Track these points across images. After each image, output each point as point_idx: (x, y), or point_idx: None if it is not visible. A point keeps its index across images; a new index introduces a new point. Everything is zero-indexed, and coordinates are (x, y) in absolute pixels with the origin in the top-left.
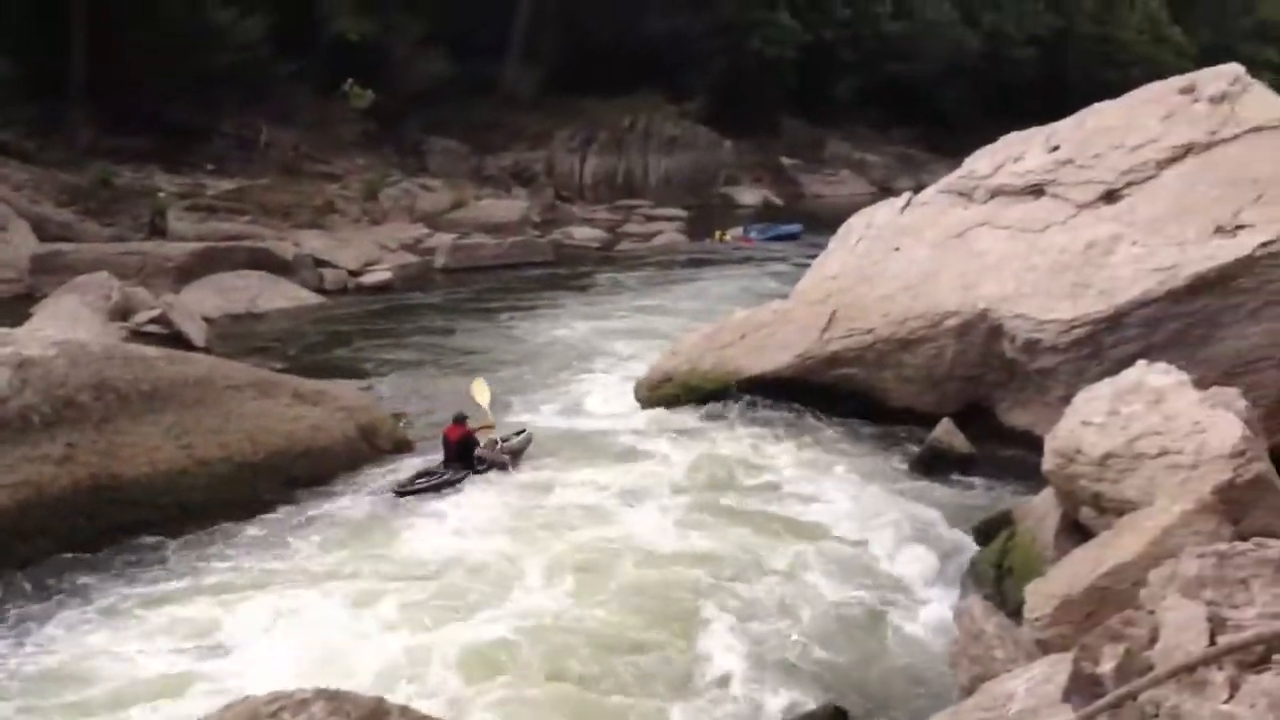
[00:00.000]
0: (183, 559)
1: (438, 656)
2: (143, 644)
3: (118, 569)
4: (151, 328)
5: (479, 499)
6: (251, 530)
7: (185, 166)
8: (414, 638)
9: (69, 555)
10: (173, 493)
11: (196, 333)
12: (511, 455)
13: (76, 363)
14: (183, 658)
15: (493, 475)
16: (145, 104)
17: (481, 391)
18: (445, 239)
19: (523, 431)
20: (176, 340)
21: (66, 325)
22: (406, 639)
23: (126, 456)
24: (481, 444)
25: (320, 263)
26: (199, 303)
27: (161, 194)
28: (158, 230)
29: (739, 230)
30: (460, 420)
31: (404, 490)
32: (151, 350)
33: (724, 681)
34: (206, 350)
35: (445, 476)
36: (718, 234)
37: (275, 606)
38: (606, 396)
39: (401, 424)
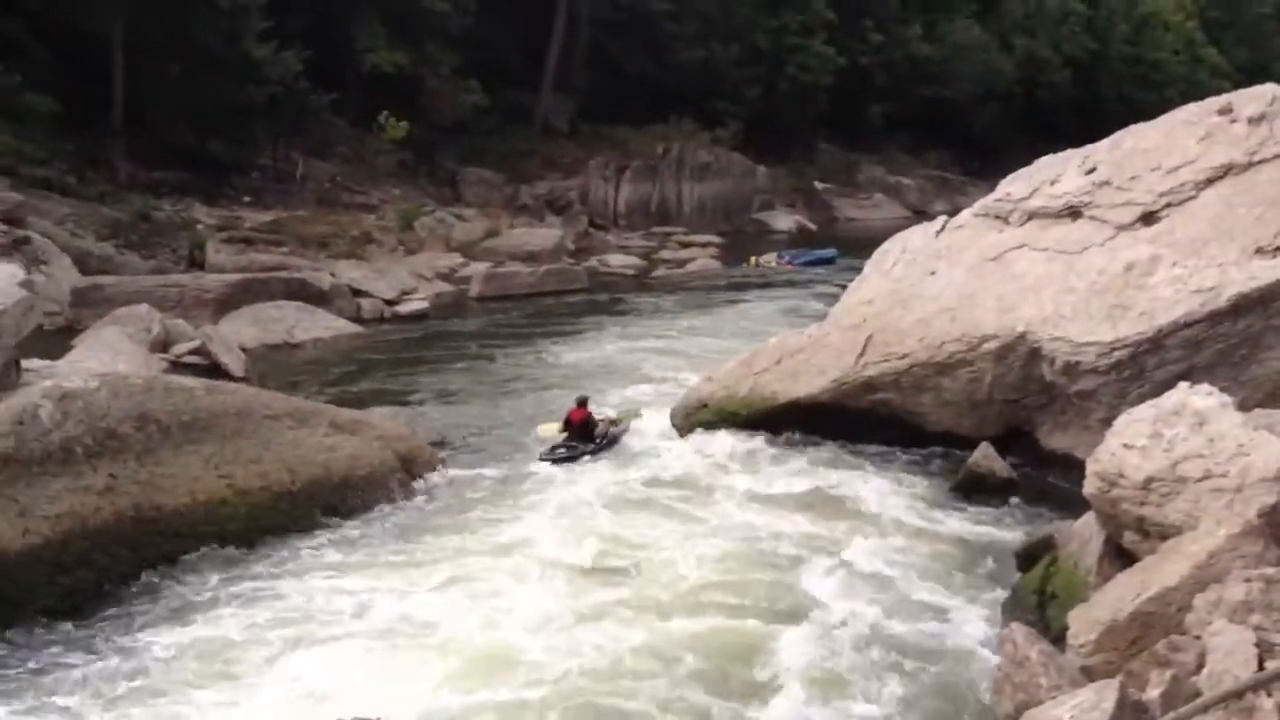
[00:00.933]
0: (224, 589)
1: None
2: (187, 676)
3: (160, 601)
4: (191, 359)
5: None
6: (290, 559)
7: (223, 199)
8: (455, 672)
9: (111, 587)
10: (213, 522)
11: (235, 363)
12: (618, 430)
13: (118, 394)
14: (226, 688)
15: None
16: (184, 137)
17: (550, 429)
18: (480, 268)
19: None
20: (215, 371)
21: (107, 357)
22: (448, 671)
23: (168, 487)
24: (599, 425)
25: (357, 292)
26: (237, 333)
27: (200, 226)
28: (196, 262)
29: (773, 256)
30: (583, 403)
31: (547, 458)
32: (191, 381)
33: (765, 703)
34: (245, 380)
35: (578, 449)
36: (752, 259)
37: (315, 635)
38: (643, 422)
39: (440, 455)
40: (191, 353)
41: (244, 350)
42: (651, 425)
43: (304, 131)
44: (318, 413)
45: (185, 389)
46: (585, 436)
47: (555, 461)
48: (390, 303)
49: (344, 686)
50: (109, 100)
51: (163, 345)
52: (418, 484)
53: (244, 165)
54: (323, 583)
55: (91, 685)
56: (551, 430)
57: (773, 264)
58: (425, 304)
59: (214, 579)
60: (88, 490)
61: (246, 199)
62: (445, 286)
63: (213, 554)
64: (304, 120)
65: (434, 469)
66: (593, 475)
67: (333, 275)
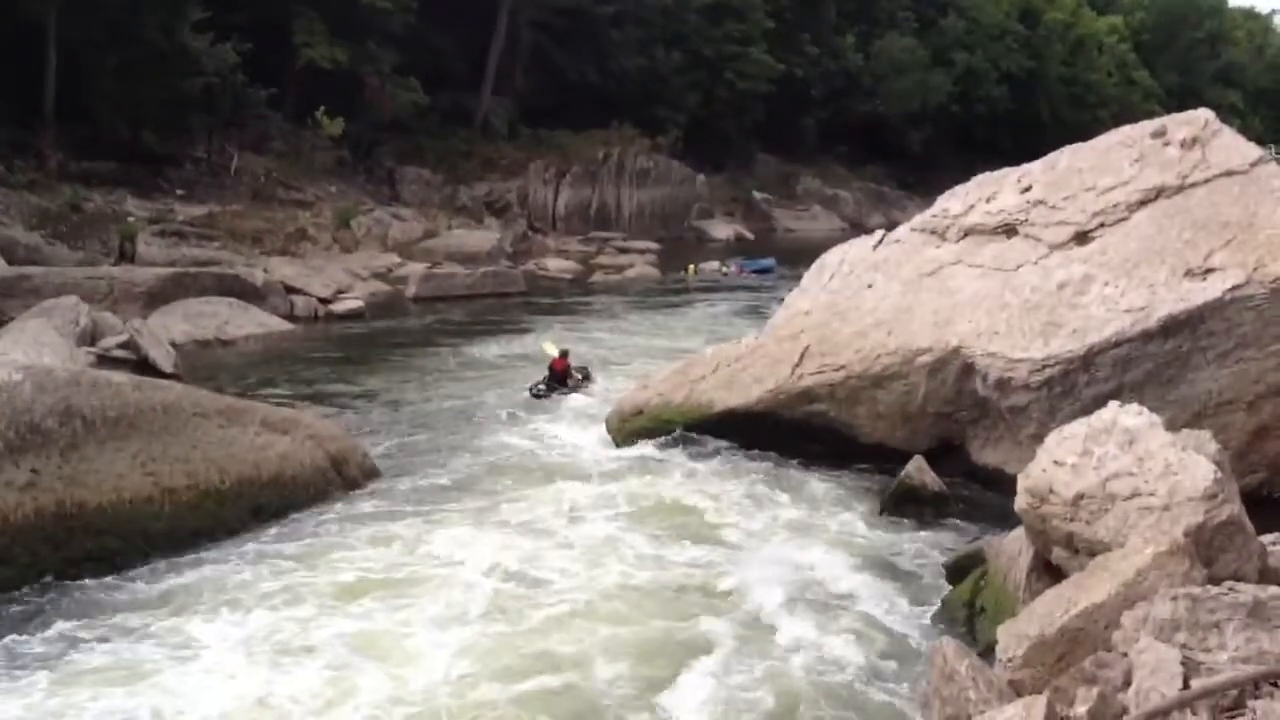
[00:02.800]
0: (147, 589)
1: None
2: (103, 675)
3: (82, 598)
4: (119, 353)
5: (458, 529)
6: (216, 559)
7: (156, 191)
8: (365, 683)
9: (31, 585)
10: (138, 521)
11: (164, 359)
12: (586, 382)
13: (43, 388)
14: (142, 689)
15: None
16: (117, 128)
17: (550, 347)
18: (417, 268)
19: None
20: (144, 366)
21: (33, 350)
22: (362, 672)
23: (92, 484)
24: (573, 374)
25: (291, 290)
26: (167, 329)
27: (131, 218)
28: (127, 255)
29: (713, 264)
30: (564, 355)
31: (536, 393)
32: (119, 376)
33: None
34: (175, 377)
35: (558, 389)
36: (690, 268)
37: (236, 636)
38: (577, 428)
39: (372, 455)
40: (120, 347)
41: (174, 346)
42: (585, 432)
43: (240, 125)
44: (248, 411)
45: (112, 384)
46: (563, 380)
47: (535, 395)
48: (325, 301)
49: (255, 690)
50: (41, 89)
51: (90, 339)
52: (348, 484)
53: (178, 158)
54: (246, 584)
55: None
56: (551, 350)
57: (726, 270)
58: (360, 303)
59: (138, 578)
60: (9, 486)
61: (180, 192)
62: (381, 286)
63: (137, 553)
64: (240, 114)
65: (365, 469)
66: (523, 476)
67: (266, 272)
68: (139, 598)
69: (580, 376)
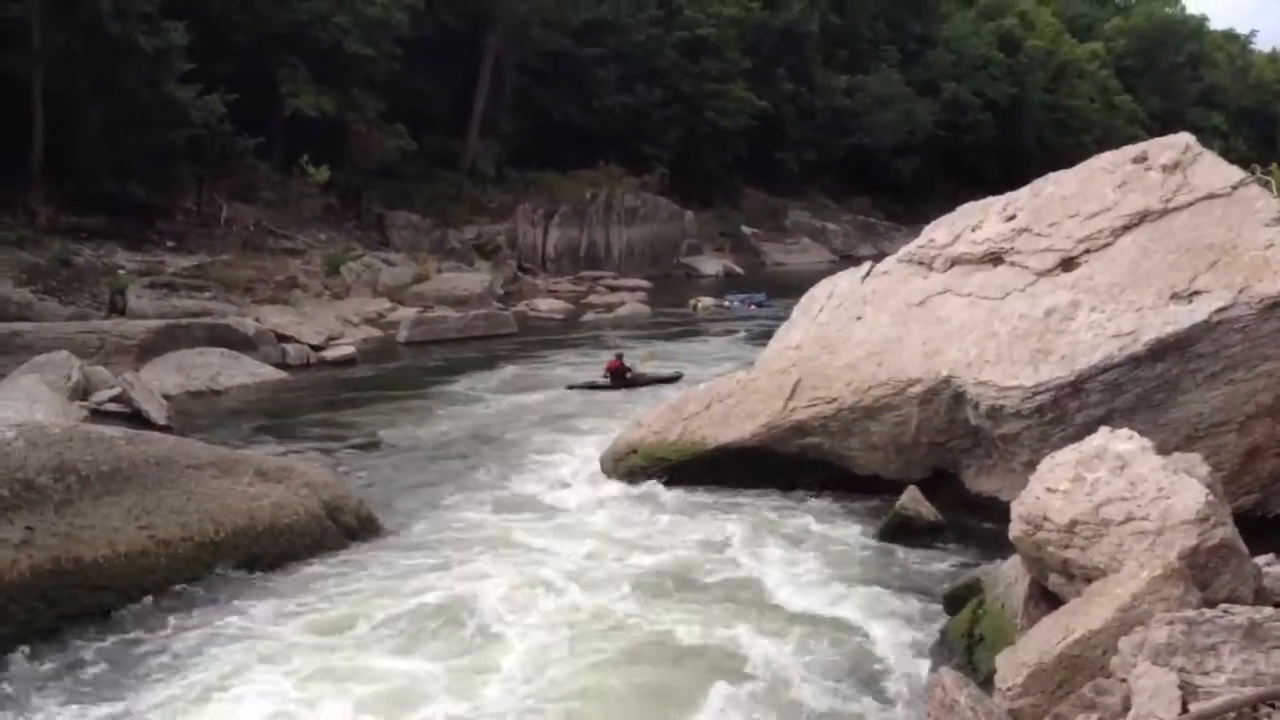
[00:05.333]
0: (144, 644)
1: None
2: None
3: (79, 655)
4: (112, 406)
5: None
6: (212, 612)
7: (145, 243)
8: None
9: (28, 644)
10: (133, 575)
11: (157, 411)
12: (654, 378)
13: (35, 445)
14: None
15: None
16: (105, 181)
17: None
18: (408, 313)
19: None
20: (137, 419)
21: (25, 406)
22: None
23: (87, 539)
24: (630, 371)
25: (283, 338)
26: (159, 381)
27: (121, 271)
28: (117, 308)
29: (709, 300)
30: (619, 356)
31: (573, 386)
32: (112, 430)
33: None
34: (167, 429)
35: (605, 384)
36: (697, 304)
37: (234, 690)
38: (572, 467)
39: (367, 502)
40: (112, 400)
41: (166, 398)
42: (579, 472)
43: (228, 175)
44: (242, 461)
45: (105, 438)
46: (617, 379)
47: (576, 388)
48: (316, 348)
49: None
50: (28, 144)
51: (83, 393)
52: (345, 532)
53: (167, 209)
54: (242, 636)
55: None
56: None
57: (730, 304)
58: (352, 349)
59: (135, 633)
60: (4, 543)
61: (169, 243)
62: (373, 331)
63: (133, 607)
64: (228, 164)
65: (361, 517)
66: (519, 520)
67: (257, 321)
68: (136, 652)
69: (637, 373)
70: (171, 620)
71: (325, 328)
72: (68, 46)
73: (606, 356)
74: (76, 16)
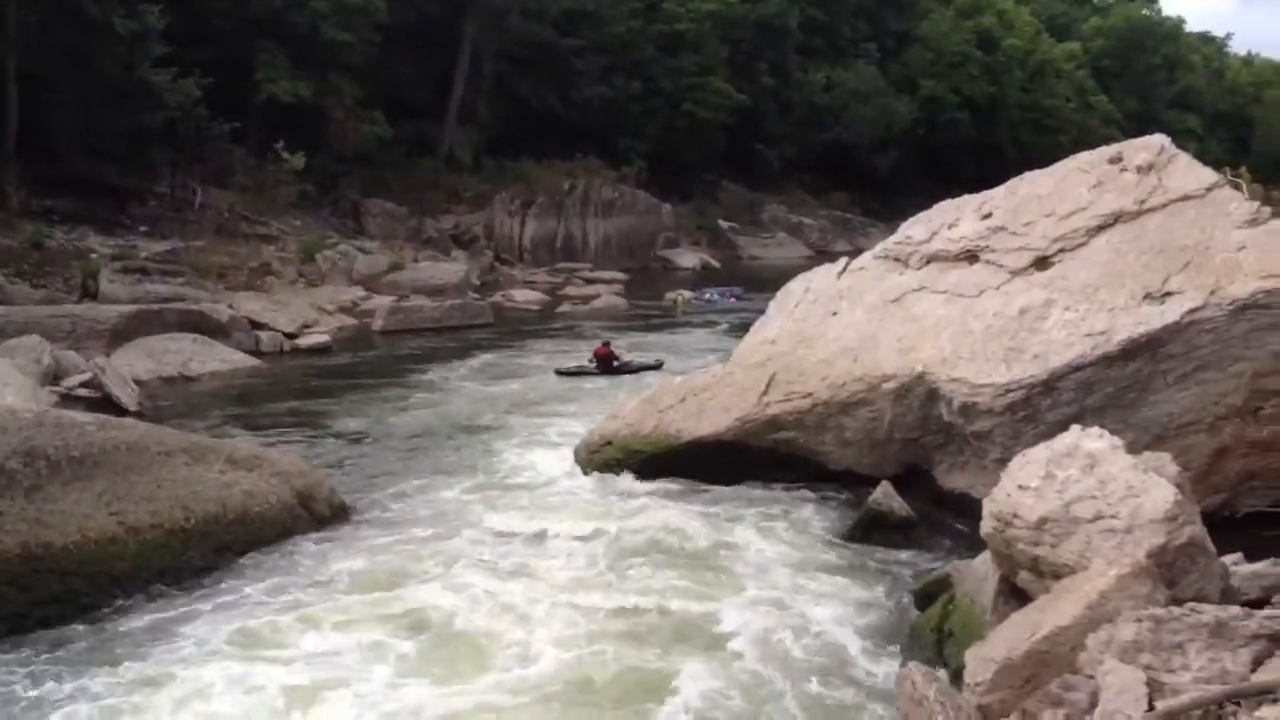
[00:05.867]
0: (113, 629)
1: None
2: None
3: (48, 641)
4: (83, 392)
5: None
6: (182, 599)
7: (118, 227)
8: (338, 712)
9: None
10: (103, 561)
11: (128, 397)
12: (639, 366)
13: (5, 429)
14: None
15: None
16: (78, 165)
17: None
18: (383, 301)
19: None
20: (108, 404)
21: None
22: (327, 712)
23: (56, 525)
24: (617, 358)
25: (256, 325)
26: (131, 366)
27: (94, 255)
28: (89, 292)
29: (691, 294)
30: (606, 344)
31: (563, 373)
32: (83, 416)
33: None
34: (139, 415)
35: (593, 370)
36: (678, 298)
37: (201, 676)
38: (546, 459)
39: (340, 491)
40: (83, 385)
41: (138, 383)
42: (553, 463)
43: (203, 160)
44: (213, 448)
45: (76, 424)
46: (604, 365)
47: (565, 374)
48: (290, 336)
49: None
50: (2, 126)
51: (53, 378)
52: (316, 520)
53: (140, 193)
54: (212, 623)
55: None
56: (577, 363)
57: (712, 298)
58: (327, 337)
59: (104, 619)
60: None
61: (142, 228)
62: (347, 320)
63: (103, 593)
64: (203, 149)
65: (333, 505)
66: (491, 510)
67: (231, 307)
68: (105, 639)
69: (627, 361)
70: (141, 607)
71: (299, 315)
72: (43, 28)
73: (582, 346)
74: None
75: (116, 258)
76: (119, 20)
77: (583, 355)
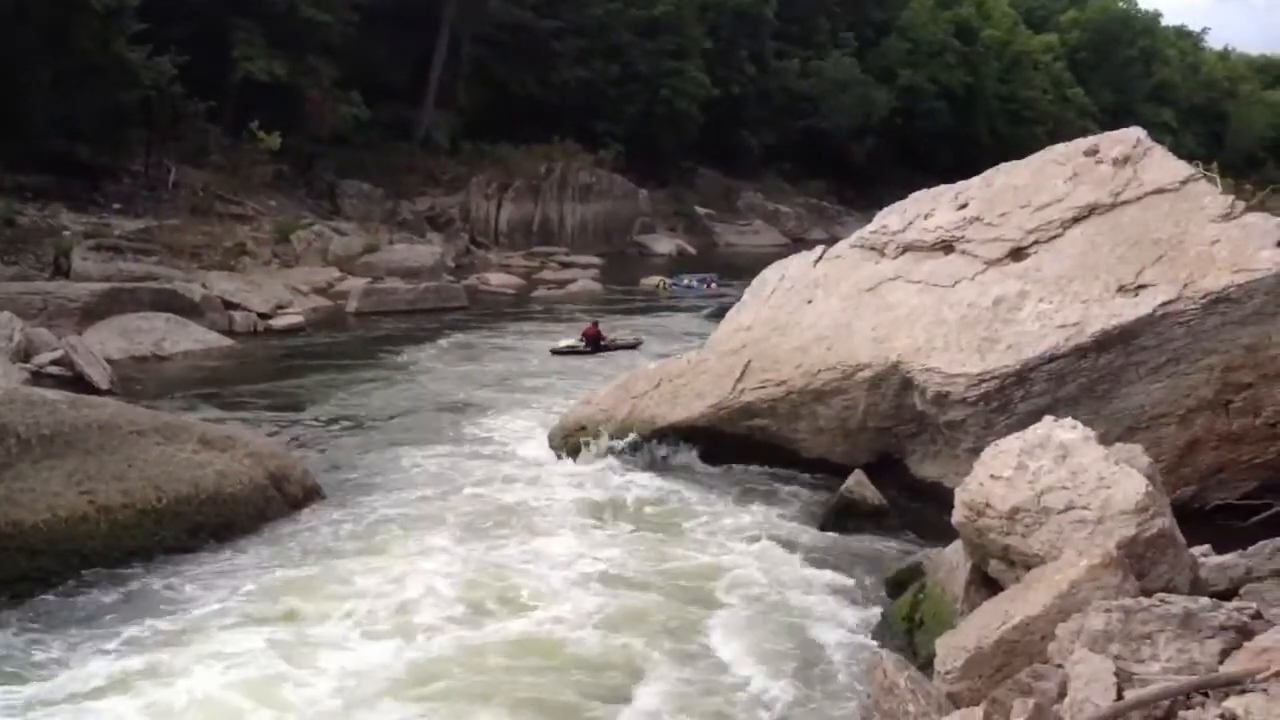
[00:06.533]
0: (83, 608)
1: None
2: (40, 697)
3: (15, 621)
4: (54, 369)
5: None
6: (153, 578)
7: (91, 205)
8: (306, 692)
9: None
10: (73, 540)
11: (100, 375)
12: (620, 344)
13: None
14: (75, 711)
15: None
16: (52, 141)
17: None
18: (358, 283)
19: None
20: (79, 383)
21: None
22: (294, 691)
23: (26, 503)
24: (604, 337)
25: (230, 305)
26: (103, 344)
27: (66, 233)
28: (61, 270)
29: (681, 278)
30: (595, 324)
31: (557, 351)
32: (53, 394)
33: None
34: (110, 393)
35: (584, 349)
36: (661, 283)
37: (172, 657)
38: (520, 443)
39: (313, 471)
40: (54, 363)
41: (110, 362)
42: (527, 447)
43: (178, 138)
44: (186, 428)
45: (47, 401)
46: (594, 344)
47: (559, 353)
48: (264, 316)
49: (186, 709)
50: None
51: (24, 355)
52: (289, 501)
53: (114, 171)
54: (183, 604)
55: None
56: (567, 342)
57: (691, 284)
58: (300, 318)
59: (74, 598)
60: None
61: (116, 206)
62: (322, 301)
63: (73, 572)
64: (178, 127)
65: (307, 486)
66: (465, 492)
67: (204, 287)
68: (75, 617)
69: (614, 340)
70: (111, 587)
71: (273, 296)
72: (17, 3)
73: (557, 329)
74: None
75: (89, 235)
76: None
77: (563, 336)
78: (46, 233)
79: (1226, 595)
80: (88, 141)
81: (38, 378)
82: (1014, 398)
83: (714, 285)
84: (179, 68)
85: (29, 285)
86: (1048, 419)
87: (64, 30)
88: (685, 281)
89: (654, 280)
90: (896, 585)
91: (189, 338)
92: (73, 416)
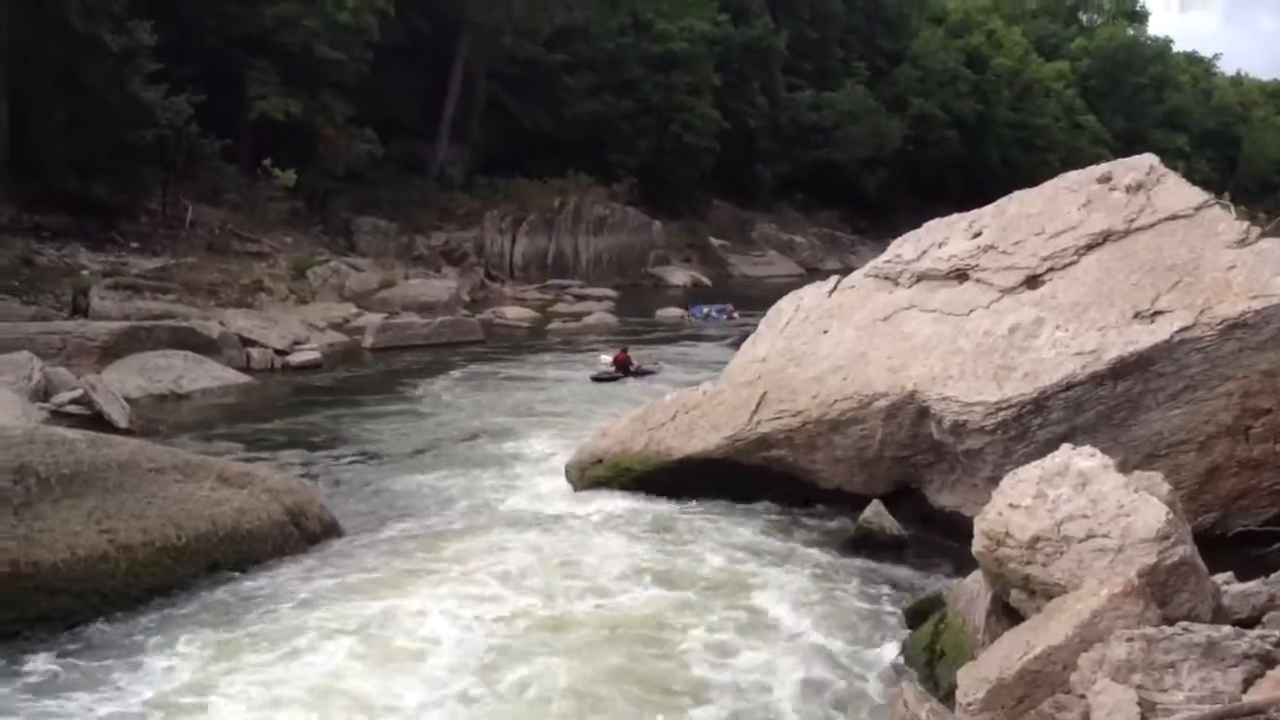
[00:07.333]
0: (103, 648)
1: None
2: None
3: (36, 660)
4: (73, 408)
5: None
6: (172, 617)
7: (109, 244)
8: None
9: None
10: (93, 579)
11: (119, 414)
12: (645, 371)
13: None
14: None
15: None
16: (69, 180)
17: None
18: (374, 318)
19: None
20: (99, 421)
21: None
22: None
23: (46, 543)
24: (633, 363)
25: (247, 342)
26: (122, 383)
27: (85, 272)
28: (80, 309)
29: (688, 311)
30: (624, 350)
31: (598, 378)
32: (73, 433)
33: None
34: (129, 432)
35: (618, 376)
36: (685, 315)
37: (193, 696)
38: (536, 477)
39: (330, 508)
40: (73, 402)
41: (129, 400)
42: (544, 480)
43: (194, 177)
44: (204, 465)
45: (66, 441)
46: (624, 369)
47: (599, 380)
48: (281, 353)
49: None
50: None
51: (44, 394)
52: (307, 537)
53: (131, 210)
54: (202, 642)
55: None
56: (607, 359)
57: (712, 315)
58: (317, 354)
59: (94, 638)
60: None
61: (133, 245)
62: (338, 337)
63: (92, 611)
64: (194, 165)
65: (325, 522)
66: (482, 528)
67: (222, 324)
68: (94, 658)
69: (640, 365)
70: (131, 626)
71: (290, 332)
72: (34, 44)
73: (575, 359)
74: (43, 13)
75: (107, 274)
76: (109, 36)
77: (579, 369)
78: (65, 272)
79: (1249, 623)
80: (104, 181)
81: (57, 417)
82: (1032, 426)
83: (735, 315)
84: (194, 107)
85: (48, 325)
86: (1066, 447)
87: (79, 70)
88: (705, 311)
89: (672, 312)
90: (916, 616)
91: (207, 375)
92: (92, 455)
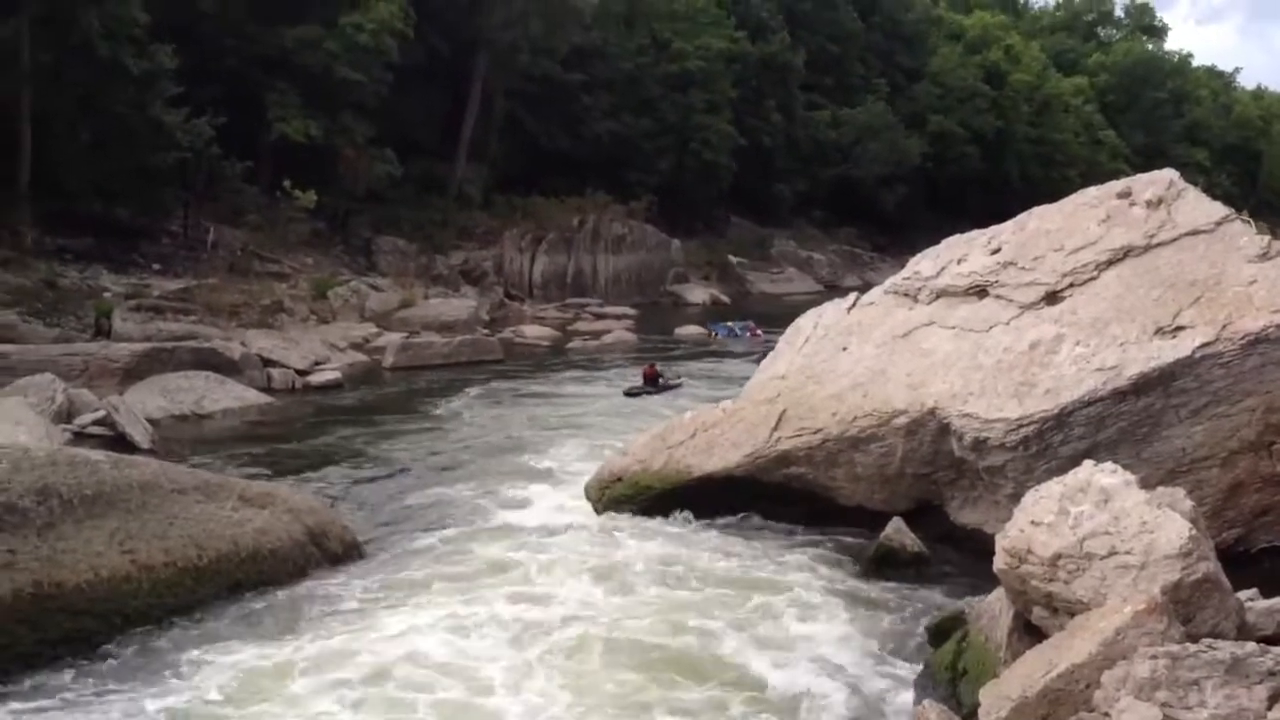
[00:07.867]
0: (126, 668)
1: None
2: None
3: (59, 681)
4: (95, 430)
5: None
6: (194, 637)
7: (131, 266)
8: None
9: (7, 669)
10: (115, 600)
11: (141, 435)
12: (672, 385)
13: (19, 468)
14: None
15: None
16: (91, 203)
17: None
18: (394, 338)
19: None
20: (121, 442)
21: (9, 428)
22: None
23: (69, 564)
24: (662, 377)
25: (268, 362)
26: (144, 404)
27: (107, 294)
28: (103, 331)
29: (710, 328)
30: (653, 365)
31: (631, 393)
32: (95, 454)
33: None
34: (151, 452)
35: (648, 391)
36: (711, 332)
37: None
38: (557, 495)
39: (351, 527)
40: (96, 424)
41: (151, 421)
42: (565, 499)
43: (215, 199)
44: (225, 486)
45: (89, 462)
46: (653, 383)
47: (632, 395)
48: (302, 373)
49: None
50: (15, 165)
51: (66, 416)
52: (329, 557)
53: (153, 232)
54: (224, 663)
55: None
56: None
57: (738, 333)
58: (338, 374)
59: (116, 658)
60: None
61: (155, 266)
62: (359, 356)
63: (115, 632)
64: (215, 187)
65: (346, 542)
66: (503, 548)
67: (243, 345)
68: (117, 678)
69: (667, 380)
70: (154, 646)
71: (311, 352)
72: (56, 67)
73: (595, 377)
74: (66, 37)
75: (129, 296)
76: (131, 60)
77: (599, 386)
78: (87, 294)
79: (1274, 640)
80: (127, 203)
81: (80, 438)
82: (1053, 442)
83: (759, 333)
84: (215, 129)
85: (70, 347)
86: (1088, 463)
87: (101, 93)
88: (729, 328)
89: (692, 329)
90: (938, 634)
91: (228, 395)
92: (115, 476)
